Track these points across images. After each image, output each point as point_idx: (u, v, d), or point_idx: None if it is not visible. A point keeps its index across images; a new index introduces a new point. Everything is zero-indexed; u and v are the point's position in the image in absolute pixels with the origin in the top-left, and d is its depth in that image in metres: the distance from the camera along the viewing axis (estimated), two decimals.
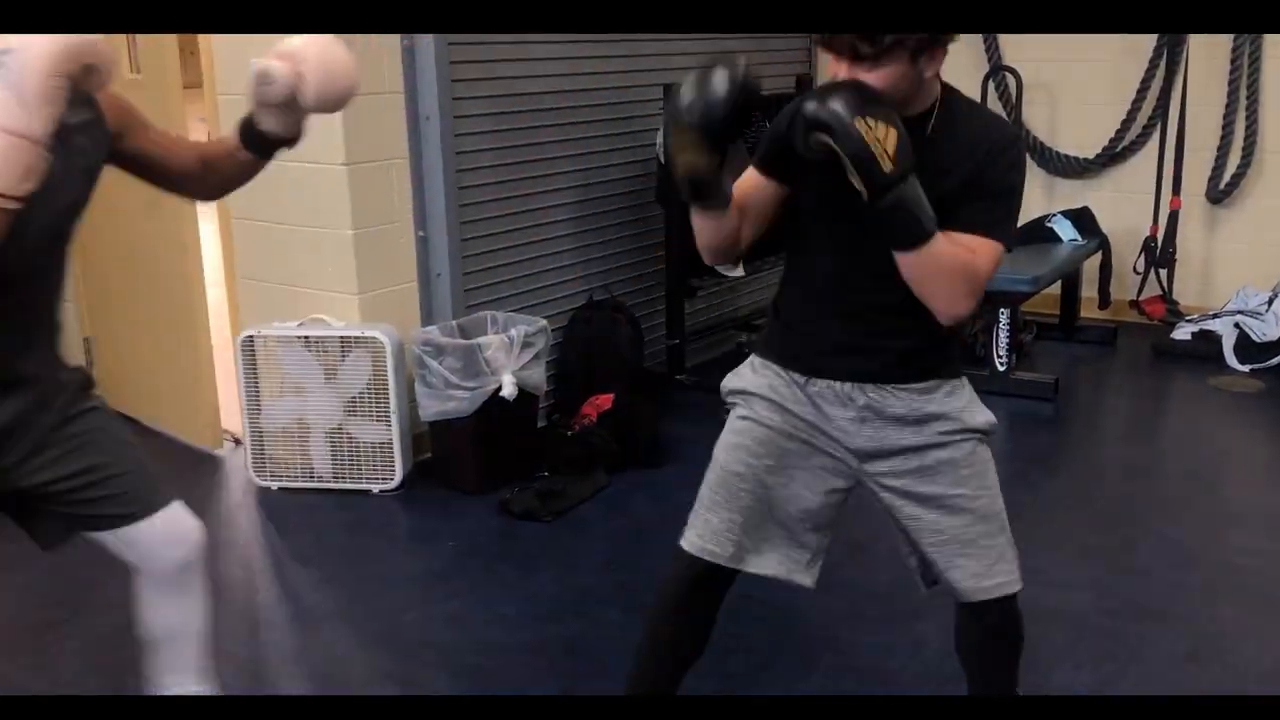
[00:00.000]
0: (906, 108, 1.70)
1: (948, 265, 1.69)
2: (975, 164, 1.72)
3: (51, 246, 1.81)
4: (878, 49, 1.62)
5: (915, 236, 1.66)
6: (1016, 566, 1.92)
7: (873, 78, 1.64)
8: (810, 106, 1.63)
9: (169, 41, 3.57)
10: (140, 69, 3.78)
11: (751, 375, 1.96)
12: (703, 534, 1.93)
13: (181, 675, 2.08)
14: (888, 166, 1.60)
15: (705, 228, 1.82)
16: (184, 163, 1.94)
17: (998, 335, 4.35)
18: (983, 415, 1.92)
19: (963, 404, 1.90)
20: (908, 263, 1.69)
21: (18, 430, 1.81)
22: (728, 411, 1.99)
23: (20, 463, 1.84)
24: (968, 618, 1.99)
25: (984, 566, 1.88)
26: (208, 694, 2.11)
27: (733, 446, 1.93)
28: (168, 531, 1.97)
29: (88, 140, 1.77)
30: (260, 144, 1.90)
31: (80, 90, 1.59)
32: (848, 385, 1.86)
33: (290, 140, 1.91)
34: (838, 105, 1.61)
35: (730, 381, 1.99)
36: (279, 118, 1.86)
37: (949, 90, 1.78)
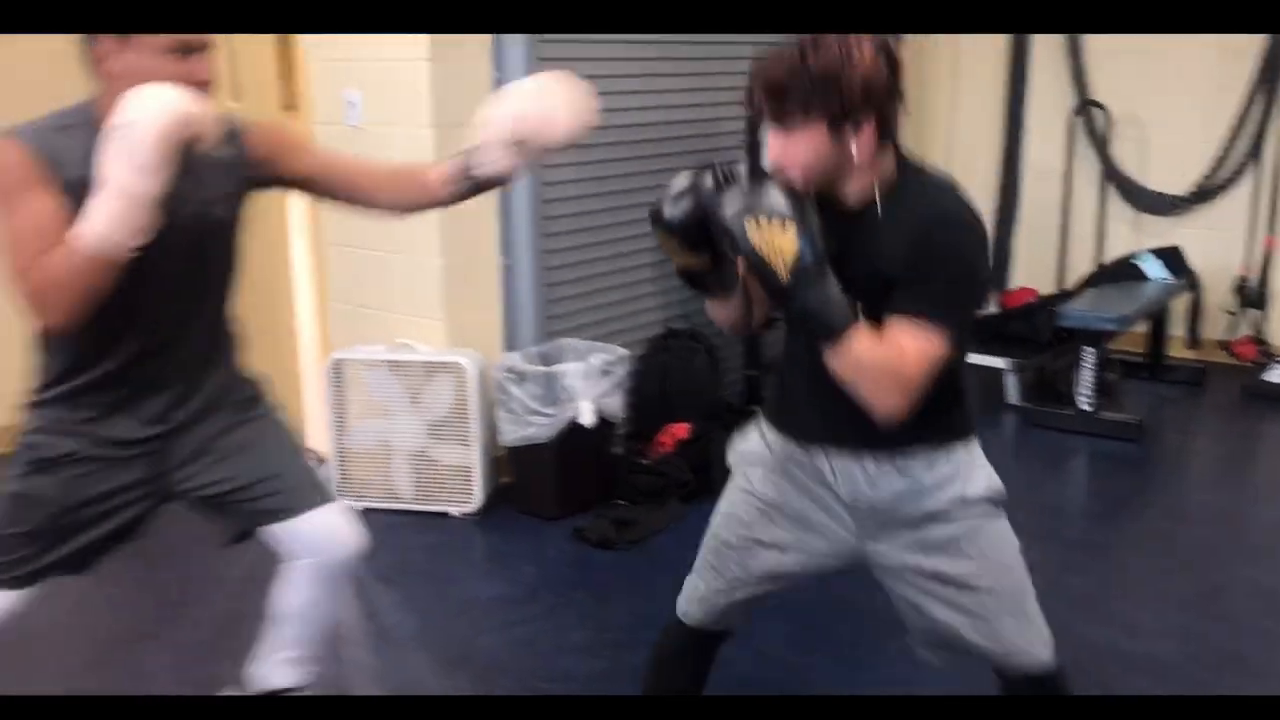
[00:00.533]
0: (840, 184, 1.67)
1: (868, 365, 1.61)
2: (916, 248, 1.63)
3: (191, 280, 1.95)
4: (789, 116, 1.61)
5: (827, 339, 1.61)
6: (1042, 640, 1.83)
7: (791, 143, 1.63)
8: (722, 210, 1.62)
9: (268, 67, 3.70)
10: (240, 95, 3.92)
11: (756, 440, 1.93)
12: (690, 597, 1.99)
13: (288, 652, 2.24)
14: (782, 277, 1.57)
15: (714, 309, 1.87)
16: (357, 183, 2.04)
17: (1082, 374, 4.28)
18: (983, 482, 1.79)
19: (953, 471, 1.77)
20: (829, 360, 1.64)
21: (175, 438, 2.01)
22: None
23: (179, 467, 2.04)
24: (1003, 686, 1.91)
25: (998, 637, 1.81)
26: (298, 682, 2.25)
27: (727, 515, 1.94)
28: (318, 533, 2.11)
29: (225, 176, 1.92)
30: (477, 182, 1.98)
31: (189, 151, 1.72)
32: (841, 454, 1.80)
33: (506, 181, 1.97)
34: (735, 211, 1.59)
35: (737, 444, 1.97)
36: (508, 159, 1.92)
37: (912, 171, 1.71)
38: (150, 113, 1.65)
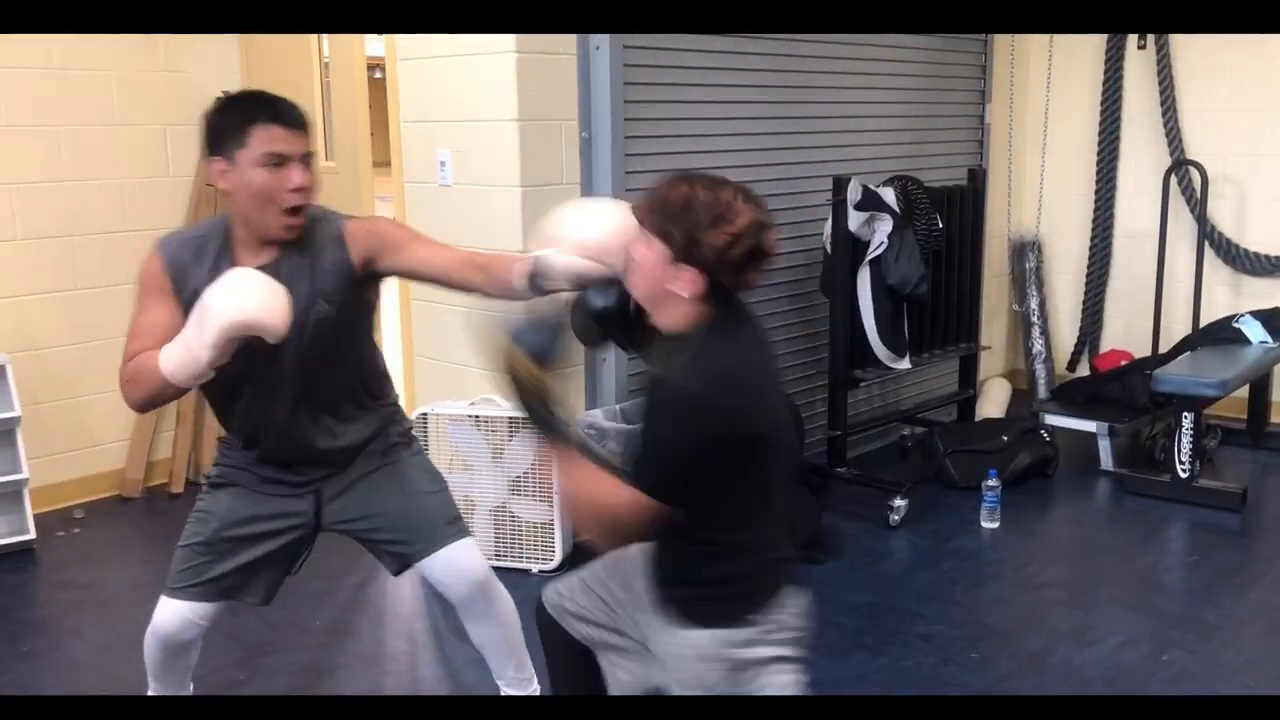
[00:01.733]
0: (656, 317, 1.81)
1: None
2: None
3: (313, 360, 2.20)
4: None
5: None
6: None
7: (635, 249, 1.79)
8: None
9: (361, 128, 3.79)
10: (334, 155, 4.02)
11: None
12: None
13: (501, 678, 2.58)
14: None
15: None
16: (451, 276, 2.21)
17: (1180, 440, 4.14)
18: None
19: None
20: None
21: (325, 481, 2.33)
22: None
23: (329, 502, 2.34)
24: None
25: None
26: (527, 695, 2.58)
27: None
28: (446, 570, 2.37)
29: (333, 278, 2.18)
30: (544, 291, 2.12)
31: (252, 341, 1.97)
32: None
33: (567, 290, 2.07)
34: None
35: None
36: (566, 282, 2.04)
37: (719, 327, 1.78)
38: (223, 307, 1.89)
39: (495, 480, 3.57)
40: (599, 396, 3.74)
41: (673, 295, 1.77)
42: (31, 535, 3.82)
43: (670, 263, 1.75)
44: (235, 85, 4.42)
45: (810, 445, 4.32)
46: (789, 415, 1.93)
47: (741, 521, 1.82)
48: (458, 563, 2.37)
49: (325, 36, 3.94)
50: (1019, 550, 3.77)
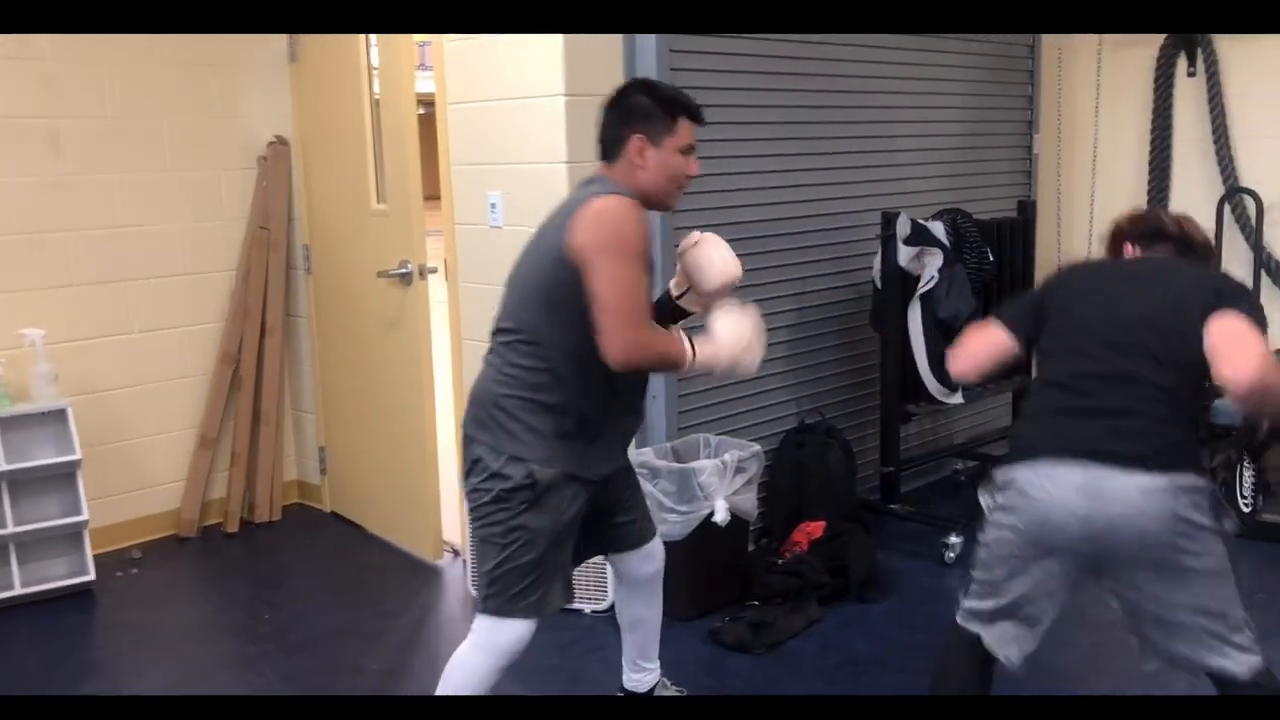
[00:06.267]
0: None
1: None
2: None
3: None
4: None
5: None
6: None
7: None
8: None
9: (412, 167, 3.83)
10: (385, 198, 4.07)
11: None
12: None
13: (644, 657, 2.84)
14: None
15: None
16: None
17: (1243, 473, 4.05)
18: None
19: None
20: None
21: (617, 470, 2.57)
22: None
23: (606, 487, 2.52)
24: None
25: None
26: (657, 678, 2.88)
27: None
28: (655, 548, 2.72)
29: None
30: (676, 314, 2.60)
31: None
32: None
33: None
34: None
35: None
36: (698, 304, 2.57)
37: None
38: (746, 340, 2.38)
39: None
40: (649, 435, 3.74)
41: None
42: (91, 576, 3.87)
43: None
44: (288, 129, 4.50)
45: (862, 480, 4.29)
46: None
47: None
48: (660, 544, 2.73)
49: (376, 73, 3.99)
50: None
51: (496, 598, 2.38)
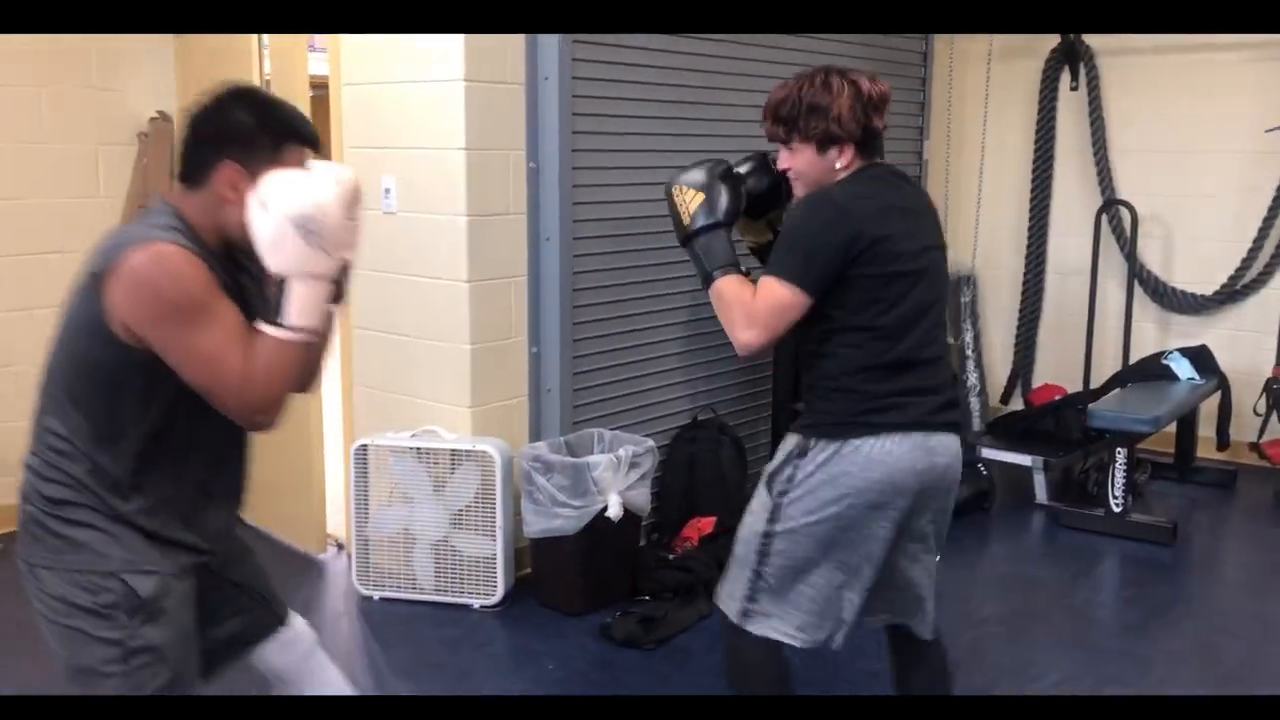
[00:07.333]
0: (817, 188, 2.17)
1: (724, 301, 2.19)
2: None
3: None
4: (788, 137, 2.18)
5: (701, 279, 2.25)
6: (733, 596, 2.24)
7: (788, 157, 2.21)
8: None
9: None
10: None
11: None
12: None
13: None
14: (684, 224, 2.27)
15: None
16: None
17: (1114, 475, 4.21)
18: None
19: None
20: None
21: None
22: None
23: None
24: None
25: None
26: None
27: None
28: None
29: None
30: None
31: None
32: None
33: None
34: (676, 176, 2.31)
35: None
36: None
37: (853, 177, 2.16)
38: (328, 189, 1.77)
39: (436, 513, 3.50)
40: (543, 429, 3.70)
41: (836, 173, 2.16)
42: None
43: (819, 154, 2.16)
44: (171, 104, 4.33)
45: (753, 477, 4.30)
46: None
47: None
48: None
49: (267, 51, 3.86)
50: (958, 584, 3.79)
51: None
